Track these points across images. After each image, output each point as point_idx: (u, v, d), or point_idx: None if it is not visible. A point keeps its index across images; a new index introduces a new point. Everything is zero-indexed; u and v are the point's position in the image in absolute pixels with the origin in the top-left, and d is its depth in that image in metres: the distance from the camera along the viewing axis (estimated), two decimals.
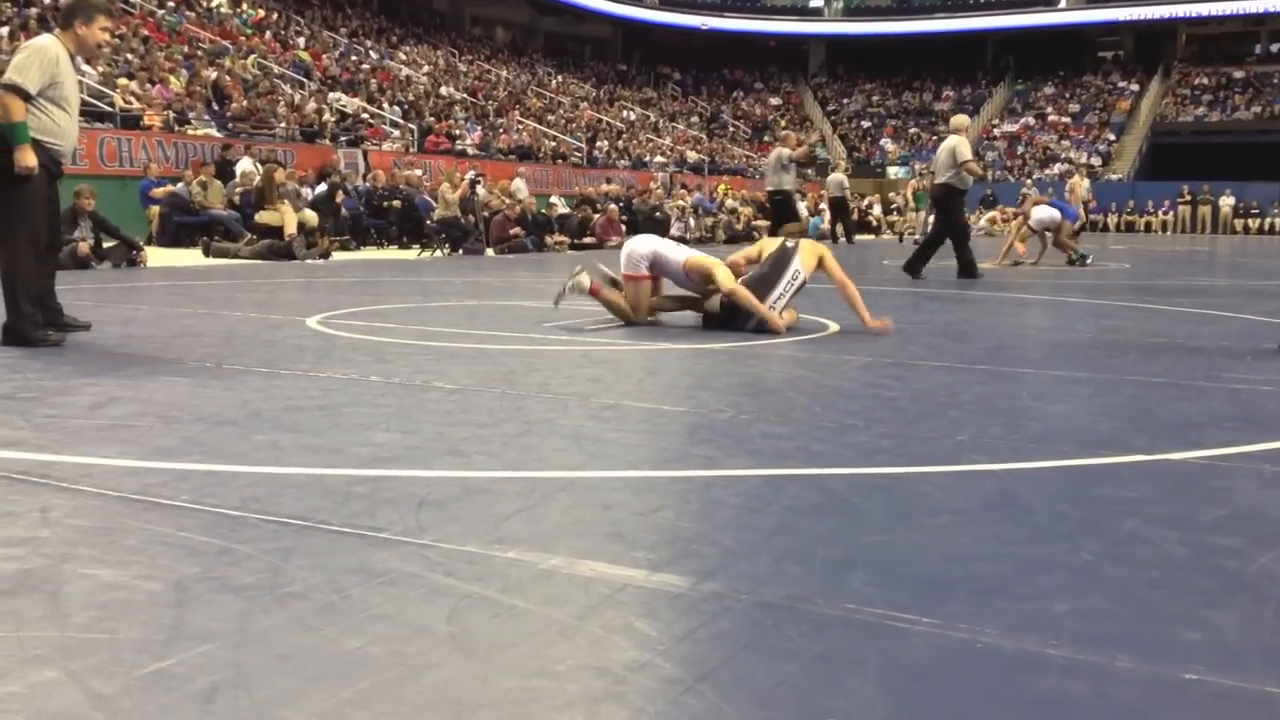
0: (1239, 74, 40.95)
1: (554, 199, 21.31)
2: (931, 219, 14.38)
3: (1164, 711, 1.60)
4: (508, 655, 1.75)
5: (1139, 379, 4.75)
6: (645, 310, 6.77)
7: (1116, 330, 6.80)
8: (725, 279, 6.34)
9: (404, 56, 31.46)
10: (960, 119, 12.53)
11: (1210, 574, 2.19)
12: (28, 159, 5.16)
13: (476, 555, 2.23)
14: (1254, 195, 34.68)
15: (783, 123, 45.13)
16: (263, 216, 14.46)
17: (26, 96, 5.20)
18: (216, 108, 19.61)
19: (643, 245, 6.80)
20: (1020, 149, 40.73)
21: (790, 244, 6.55)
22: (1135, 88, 42.83)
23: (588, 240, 18.90)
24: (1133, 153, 39.28)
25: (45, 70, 5.24)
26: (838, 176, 22.38)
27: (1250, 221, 34.32)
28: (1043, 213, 14.99)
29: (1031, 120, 42.80)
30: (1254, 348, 5.86)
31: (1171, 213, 35.31)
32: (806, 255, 6.45)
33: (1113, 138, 40.36)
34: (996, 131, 42.55)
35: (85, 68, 18.31)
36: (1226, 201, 34.68)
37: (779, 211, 14.86)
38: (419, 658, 1.73)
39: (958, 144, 11.37)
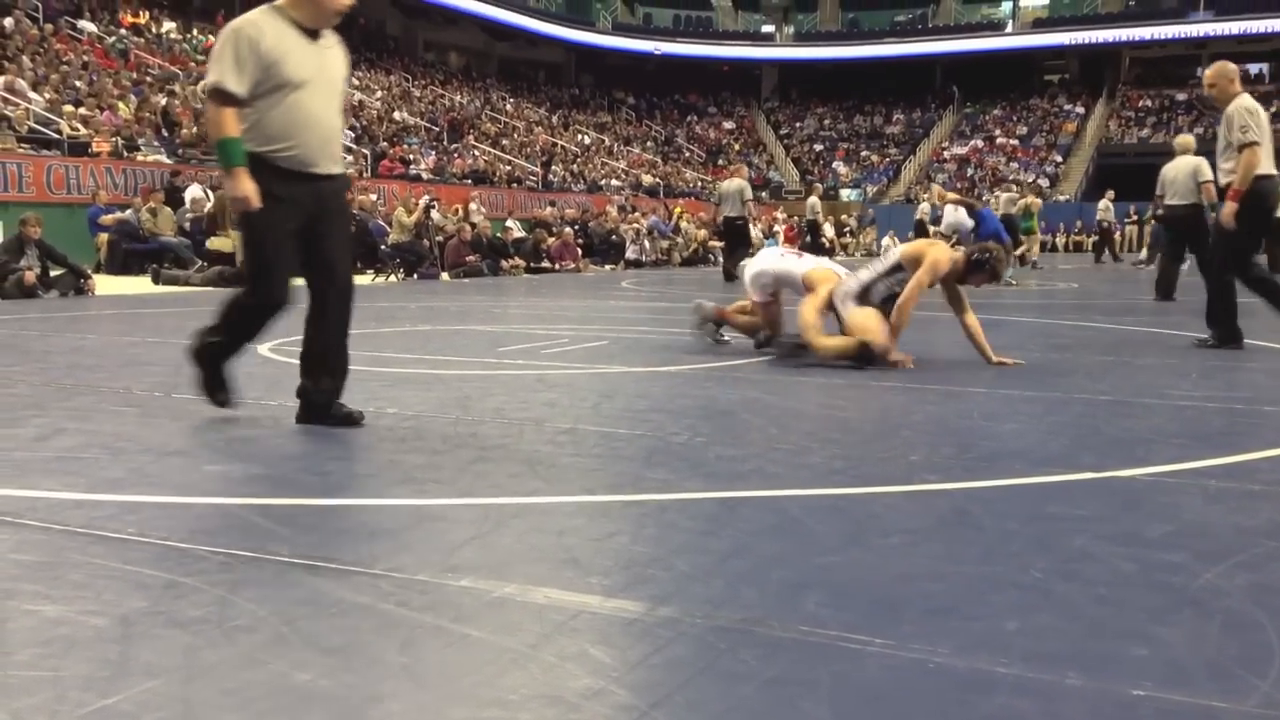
0: (1181, 96, 41.90)
1: (509, 223, 21.30)
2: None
3: None
4: (460, 685, 1.73)
5: (1087, 397, 4.81)
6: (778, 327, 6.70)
7: (1065, 349, 6.89)
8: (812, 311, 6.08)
9: (357, 81, 31.37)
10: (1188, 139, 11.39)
11: (1157, 590, 2.22)
12: (237, 186, 3.78)
13: (429, 584, 2.21)
14: None
15: (736, 146, 45.50)
16: (214, 243, 14.35)
17: (235, 101, 3.77)
18: (166, 134, 19.42)
19: (751, 269, 6.66)
20: (970, 171, 41.32)
21: (925, 245, 6.20)
22: (1081, 110, 43.67)
23: (544, 265, 18.89)
24: (1079, 174, 39.96)
25: (243, 58, 3.75)
26: (814, 200, 23.30)
27: None
28: (952, 216, 14.14)
29: (980, 143, 43.46)
30: (1199, 365, 5.97)
31: (1119, 232, 35.90)
32: (909, 250, 6.09)
33: (1060, 159, 41.08)
34: (946, 154, 43.15)
35: (32, 94, 18.09)
36: None
37: (740, 236, 15.76)
38: (370, 689, 1.71)
39: (1200, 164, 10.53)
